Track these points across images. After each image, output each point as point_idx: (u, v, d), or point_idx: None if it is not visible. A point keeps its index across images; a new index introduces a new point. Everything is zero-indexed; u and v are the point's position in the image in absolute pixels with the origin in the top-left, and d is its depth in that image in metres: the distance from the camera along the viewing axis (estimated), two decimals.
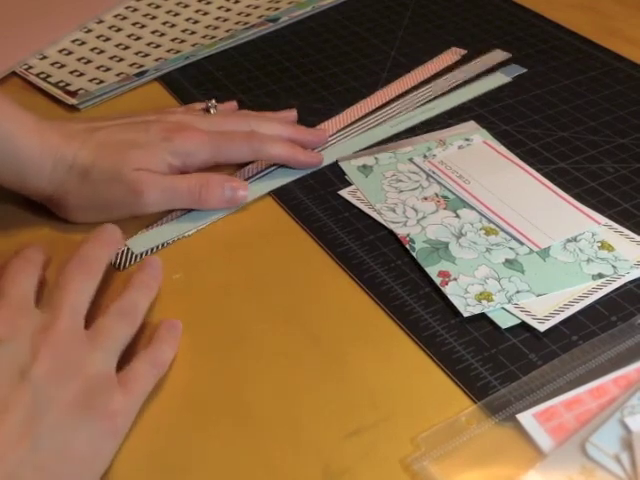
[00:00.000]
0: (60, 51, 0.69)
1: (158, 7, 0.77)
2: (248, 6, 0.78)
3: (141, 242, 0.50)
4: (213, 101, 0.58)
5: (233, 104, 0.61)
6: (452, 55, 0.70)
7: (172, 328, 0.42)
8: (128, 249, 0.49)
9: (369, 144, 0.59)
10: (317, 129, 0.59)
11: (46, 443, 0.34)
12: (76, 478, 0.35)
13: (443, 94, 0.64)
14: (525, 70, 0.67)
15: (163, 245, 0.50)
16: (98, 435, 0.36)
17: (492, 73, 0.67)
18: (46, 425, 0.34)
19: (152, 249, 0.50)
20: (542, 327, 0.43)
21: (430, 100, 0.63)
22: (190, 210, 0.52)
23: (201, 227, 0.51)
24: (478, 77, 0.66)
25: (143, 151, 0.50)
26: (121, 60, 0.69)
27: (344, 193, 0.54)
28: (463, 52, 0.70)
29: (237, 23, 0.74)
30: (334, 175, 0.56)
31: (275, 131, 0.56)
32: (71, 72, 0.67)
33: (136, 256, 0.49)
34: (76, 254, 0.43)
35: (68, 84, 0.65)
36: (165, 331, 0.42)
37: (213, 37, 0.72)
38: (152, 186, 0.49)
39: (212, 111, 0.58)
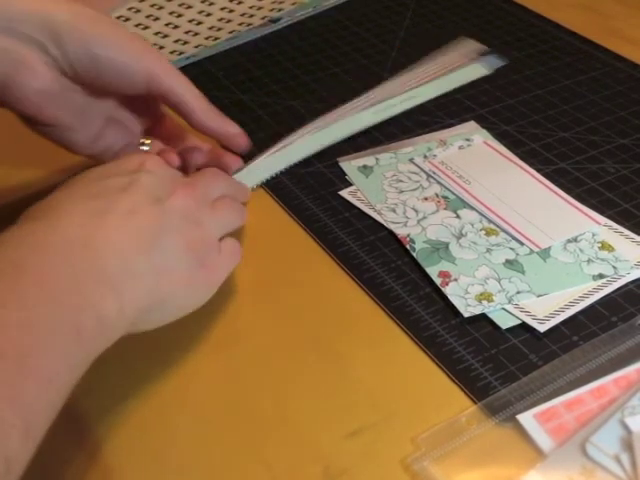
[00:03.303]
0: None
1: (161, 8, 0.77)
2: (251, 7, 0.78)
3: None
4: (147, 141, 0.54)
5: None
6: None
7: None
8: None
9: (351, 132, 0.58)
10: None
11: (157, 257, 0.38)
12: (162, 305, 0.39)
13: (425, 83, 0.64)
14: (505, 63, 0.68)
15: None
16: (198, 279, 0.41)
17: (471, 64, 0.67)
18: (164, 244, 0.39)
19: None
20: (542, 327, 0.43)
21: (411, 88, 0.64)
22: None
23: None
24: (458, 68, 0.66)
25: None
26: None
27: (344, 193, 0.54)
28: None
29: (240, 24, 0.74)
30: (334, 175, 0.56)
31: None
32: None
33: None
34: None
35: None
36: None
37: (216, 38, 0.72)
38: None
39: (146, 148, 0.53)
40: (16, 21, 0.43)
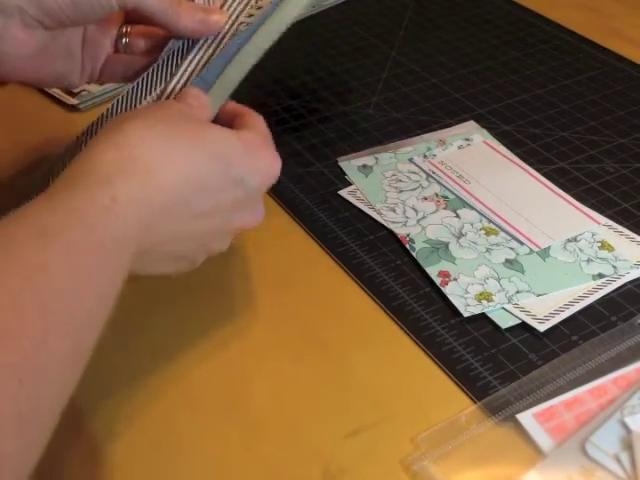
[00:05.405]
0: None
1: None
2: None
3: None
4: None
5: None
6: None
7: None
8: None
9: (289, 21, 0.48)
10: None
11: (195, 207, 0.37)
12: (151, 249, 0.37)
13: None
14: None
15: None
16: (187, 260, 0.40)
17: None
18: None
19: None
20: (542, 327, 0.43)
21: None
22: None
23: None
24: None
25: None
26: None
27: (344, 193, 0.54)
28: None
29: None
30: (334, 175, 0.56)
31: None
32: None
33: None
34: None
35: None
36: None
37: None
38: None
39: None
40: None
